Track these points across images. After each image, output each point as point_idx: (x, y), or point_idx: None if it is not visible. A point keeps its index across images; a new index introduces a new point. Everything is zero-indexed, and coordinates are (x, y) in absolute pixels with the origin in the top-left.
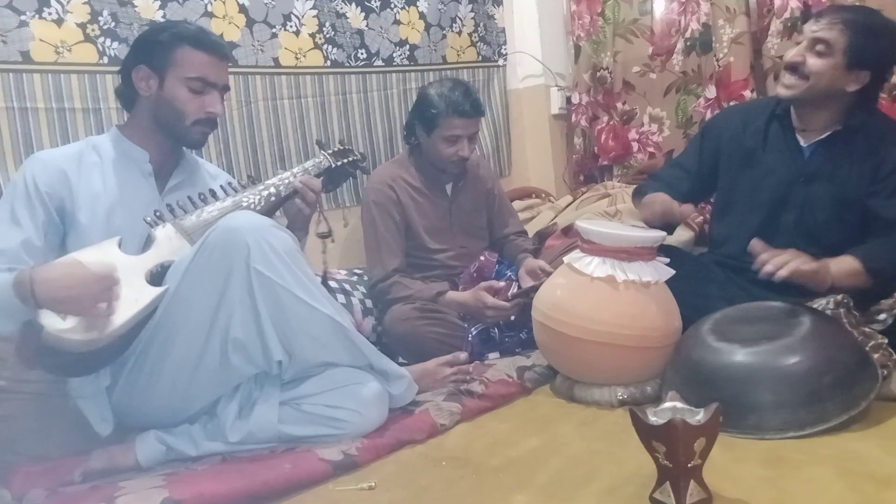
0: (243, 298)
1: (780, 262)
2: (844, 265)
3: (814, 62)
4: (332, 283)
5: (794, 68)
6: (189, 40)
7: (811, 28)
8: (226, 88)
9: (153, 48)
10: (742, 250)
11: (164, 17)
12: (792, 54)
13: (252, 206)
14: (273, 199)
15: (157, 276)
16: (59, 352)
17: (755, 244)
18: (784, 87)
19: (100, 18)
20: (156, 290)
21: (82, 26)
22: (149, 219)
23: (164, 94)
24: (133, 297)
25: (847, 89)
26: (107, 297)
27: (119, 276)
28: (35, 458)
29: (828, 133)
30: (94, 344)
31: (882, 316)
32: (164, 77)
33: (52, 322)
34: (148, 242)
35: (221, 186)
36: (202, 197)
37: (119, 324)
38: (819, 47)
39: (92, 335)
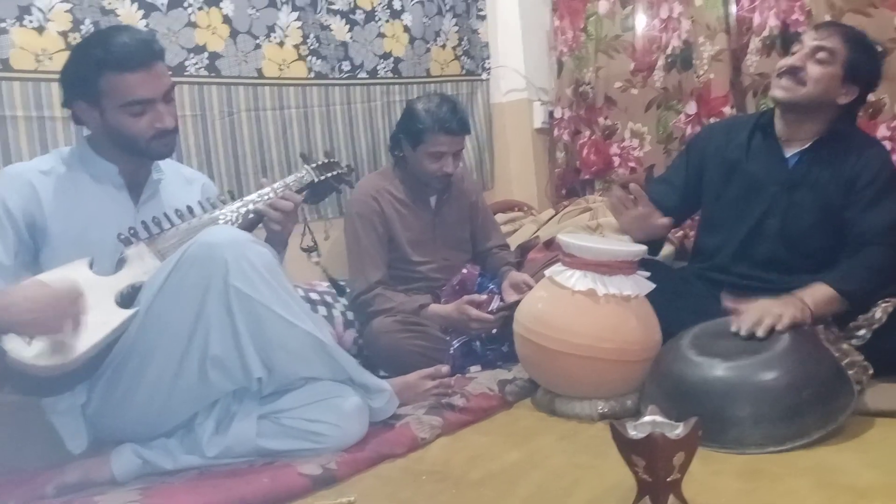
0: (221, 315)
1: (753, 323)
2: (819, 294)
3: (814, 69)
4: (314, 295)
5: (792, 73)
6: (110, 65)
7: (812, 37)
8: (170, 92)
9: (80, 84)
10: (730, 261)
11: (146, 26)
12: (793, 59)
13: (230, 223)
14: (251, 216)
15: (127, 298)
16: (25, 376)
17: (727, 303)
18: (781, 89)
19: (82, 27)
20: (125, 313)
21: (64, 34)
22: (122, 236)
23: (109, 124)
24: (102, 320)
25: (838, 101)
26: (72, 315)
27: (84, 292)
28: (7, 471)
29: (810, 142)
30: (61, 369)
31: (861, 332)
32: (101, 108)
33: (16, 348)
34: (120, 262)
35: (200, 203)
36: (178, 213)
37: (86, 348)
38: (821, 55)
39: (57, 360)
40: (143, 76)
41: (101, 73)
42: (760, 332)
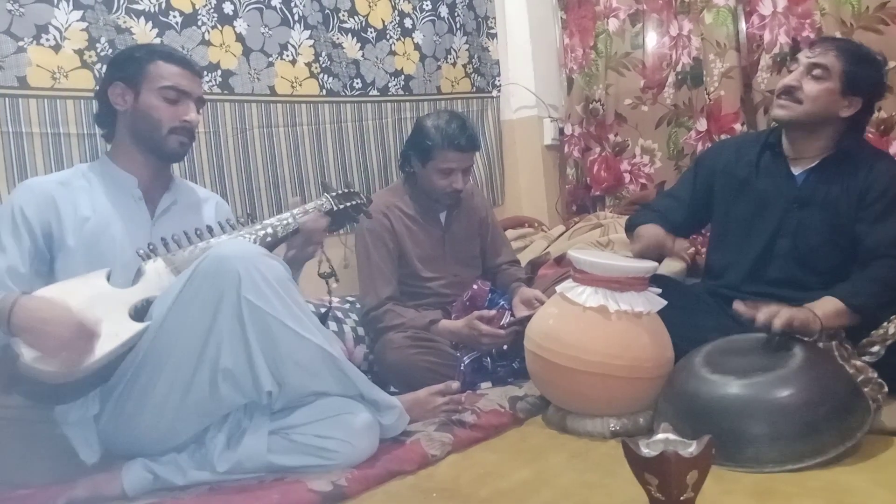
0: (233, 328)
1: (771, 314)
2: (829, 307)
3: (810, 87)
4: (324, 311)
5: (789, 92)
6: (161, 55)
7: (806, 55)
8: (200, 101)
9: (128, 65)
10: (741, 279)
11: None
12: (789, 79)
13: None
14: (269, 239)
15: (141, 311)
16: (33, 381)
17: (738, 306)
18: (780, 108)
19: (97, 45)
20: (137, 326)
21: (79, 52)
22: (141, 251)
23: (140, 106)
24: (114, 331)
25: (841, 115)
26: (79, 351)
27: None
28: (16, 485)
29: (819, 160)
30: (69, 377)
31: (875, 348)
32: (139, 90)
33: (28, 351)
34: (137, 276)
35: (219, 223)
36: (198, 232)
37: (96, 358)
38: (816, 72)
39: (66, 368)
40: (187, 74)
41: (153, 59)
42: (778, 323)
